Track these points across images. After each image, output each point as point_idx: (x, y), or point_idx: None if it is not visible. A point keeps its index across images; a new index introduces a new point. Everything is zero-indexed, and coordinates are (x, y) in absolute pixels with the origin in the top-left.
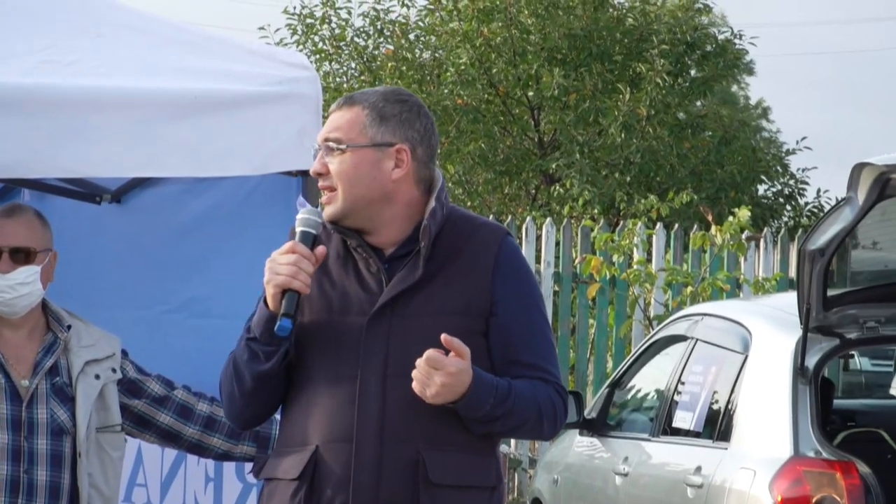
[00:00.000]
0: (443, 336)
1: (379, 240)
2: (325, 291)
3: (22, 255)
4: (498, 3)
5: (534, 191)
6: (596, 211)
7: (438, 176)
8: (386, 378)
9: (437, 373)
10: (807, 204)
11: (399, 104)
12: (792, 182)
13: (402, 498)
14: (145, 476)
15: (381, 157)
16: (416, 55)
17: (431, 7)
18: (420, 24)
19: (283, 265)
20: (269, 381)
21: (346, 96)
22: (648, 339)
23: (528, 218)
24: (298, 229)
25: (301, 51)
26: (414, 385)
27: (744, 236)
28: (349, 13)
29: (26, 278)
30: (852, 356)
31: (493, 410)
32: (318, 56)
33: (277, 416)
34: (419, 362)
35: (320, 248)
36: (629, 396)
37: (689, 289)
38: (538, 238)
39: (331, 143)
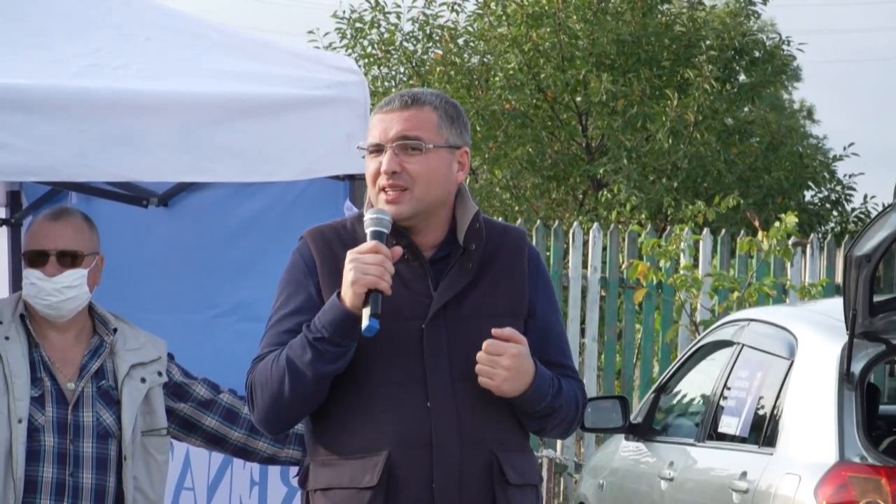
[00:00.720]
0: (494, 330)
1: (423, 241)
2: None
3: (69, 259)
4: (547, 8)
5: (581, 196)
6: (643, 216)
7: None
8: (454, 381)
9: (500, 358)
10: (853, 210)
11: (455, 107)
12: (839, 188)
13: (481, 500)
14: (193, 480)
15: (451, 160)
16: (465, 60)
17: (480, 12)
18: (469, 28)
19: (371, 265)
20: (327, 383)
21: (408, 94)
22: (694, 345)
23: (575, 223)
24: (373, 229)
25: (350, 55)
26: (481, 379)
27: (790, 242)
28: (398, 18)
29: (73, 282)
30: None
31: (552, 402)
32: (366, 60)
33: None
34: (480, 355)
35: (397, 249)
36: (675, 401)
37: (736, 294)
38: (585, 243)
39: (412, 142)
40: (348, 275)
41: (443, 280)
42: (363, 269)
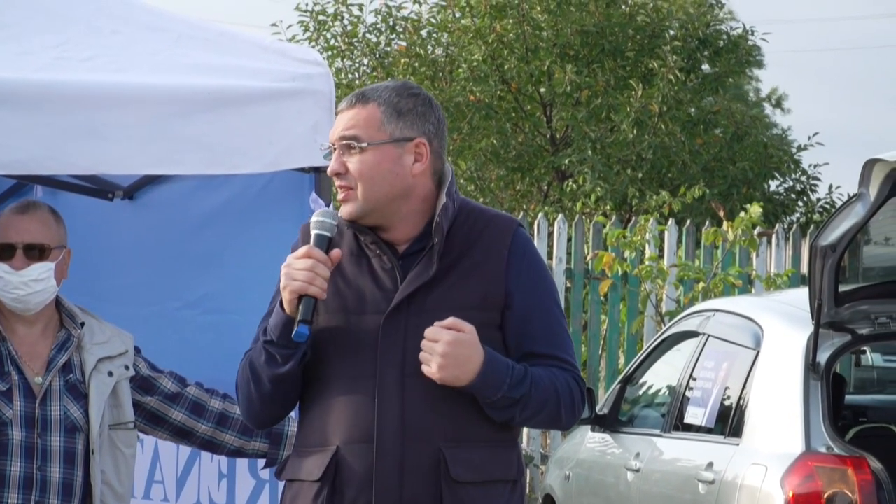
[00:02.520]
0: (446, 321)
1: (393, 236)
2: (340, 290)
3: (36, 252)
4: None
5: (546, 187)
6: (608, 207)
7: (448, 170)
8: (404, 377)
9: (436, 344)
10: (819, 200)
11: (412, 98)
12: (804, 178)
13: (425, 497)
14: (162, 473)
15: (401, 153)
16: (429, 52)
17: (444, 3)
18: (432, 20)
19: (299, 271)
20: (287, 382)
21: (357, 93)
22: (660, 335)
23: (540, 214)
24: (313, 232)
25: (313, 47)
26: (423, 367)
27: (756, 232)
28: (361, 10)
29: (40, 275)
30: (864, 352)
31: (510, 392)
32: (330, 53)
33: (293, 414)
34: (423, 343)
35: (335, 252)
36: (641, 392)
37: (701, 285)
38: (550, 234)
39: (349, 142)
40: (281, 281)
41: (410, 273)
42: (292, 274)
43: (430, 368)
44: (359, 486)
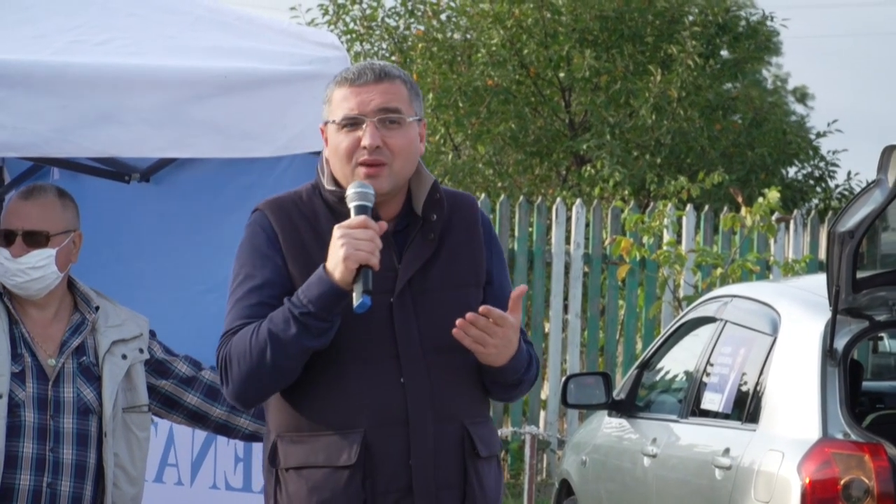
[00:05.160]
0: (482, 308)
1: (383, 214)
2: None
3: (36, 239)
4: None
5: (564, 172)
6: (626, 192)
7: None
8: (425, 356)
9: (499, 329)
10: (837, 186)
11: (413, 80)
12: (822, 164)
13: (454, 475)
14: (176, 456)
15: (418, 132)
16: (448, 36)
17: None
18: (451, 4)
19: (363, 241)
20: (305, 357)
21: (377, 68)
22: (678, 321)
23: (559, 199)
24: (358, 203)
25: (332, 31)
26: (473, 345)
27: (774, 218)
28: None
29: (38, 262)
30: (881, 338)
31: (525, 374)
32: (349, 37)
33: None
34: (478, 321)
35: (382, 223)
36: (658, 378)
37: (719, 270)
38: (568, 219)
39: (392, 115)
40: (339, 250)
41: (406, 252)
42: (355, 244)
43: (485, 349)
44: (394, 469)
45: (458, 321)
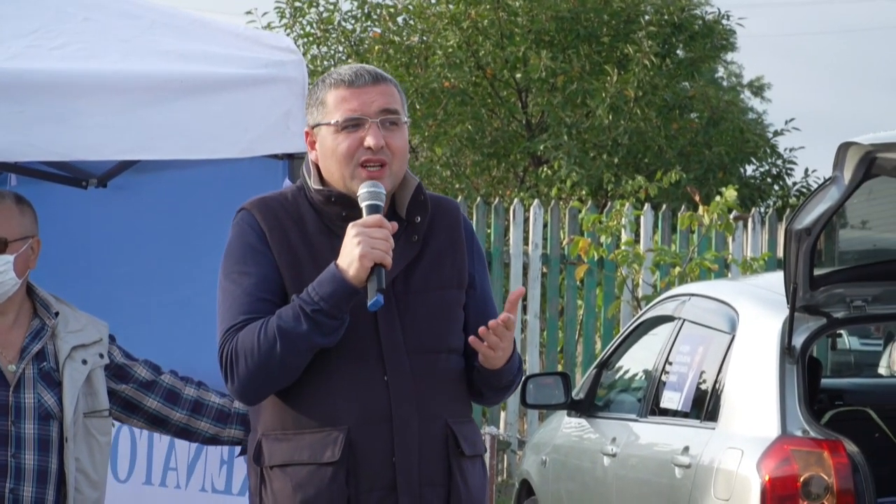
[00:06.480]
0: (502, 316)
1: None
2: (322, 270)
3: None
4: None
5: (522, 173)
6: (584, 192)
7: None
8: (409, 355)
9: (508, 332)
10: (794, 184)
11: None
12: (780, 162)
13: (439, 473)
14: (176, 460)
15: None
16: (404, 38)
17: None
18: (408, 7)
19: (379, 240)
20: (311, 355)
21: (372, 71)
22: (636, 320)
23: (516, 200)
24: (371, 202)
25: (289, 34)
26: (482, 348)
27: (731, 216)
28: None
29: None
30: (840, 335)
31: (516, 375)
32: (305, 40)
33: None
34: (497, 327)
35: (394, 223)
36: (617, 377)
37: (677, 269)
38: (526, 220)
39: (394, 116)
40: (354, 248)
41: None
42: (372, 243)
43: (494, 353)
44: (378, 467)
45: (480, 329)
